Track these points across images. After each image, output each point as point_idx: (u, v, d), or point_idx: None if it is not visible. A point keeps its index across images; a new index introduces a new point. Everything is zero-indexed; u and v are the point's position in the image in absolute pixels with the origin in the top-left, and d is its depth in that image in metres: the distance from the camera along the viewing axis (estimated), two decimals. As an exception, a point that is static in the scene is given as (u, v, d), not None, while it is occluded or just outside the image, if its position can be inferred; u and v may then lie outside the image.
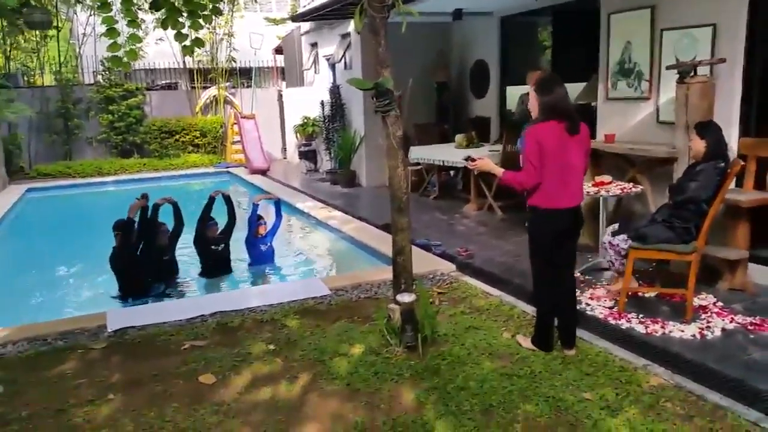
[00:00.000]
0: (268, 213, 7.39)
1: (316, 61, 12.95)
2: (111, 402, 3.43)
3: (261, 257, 6.83)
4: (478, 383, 3.45)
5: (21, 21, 4.58)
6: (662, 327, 4.18)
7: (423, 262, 5.73)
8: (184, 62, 15.46)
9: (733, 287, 4.83)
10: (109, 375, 3.78)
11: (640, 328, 4.19)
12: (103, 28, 15.50)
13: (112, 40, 5.13)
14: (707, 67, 5.07)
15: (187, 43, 5.50)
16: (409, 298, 3.88)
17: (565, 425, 3.04)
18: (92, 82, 15.09)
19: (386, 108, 3.86)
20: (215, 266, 6.51)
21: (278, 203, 7.29)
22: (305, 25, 12.98)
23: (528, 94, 7.24)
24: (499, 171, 3.81)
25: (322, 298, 5.06)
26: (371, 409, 3.24)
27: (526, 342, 3.98)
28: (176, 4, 5.24)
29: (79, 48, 14.85)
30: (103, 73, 14.67)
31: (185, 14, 5.30)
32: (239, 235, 6.81)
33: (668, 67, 5.14)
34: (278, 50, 16.30)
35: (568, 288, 3.88)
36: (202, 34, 14.62)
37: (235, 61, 16.18)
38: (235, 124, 15.16)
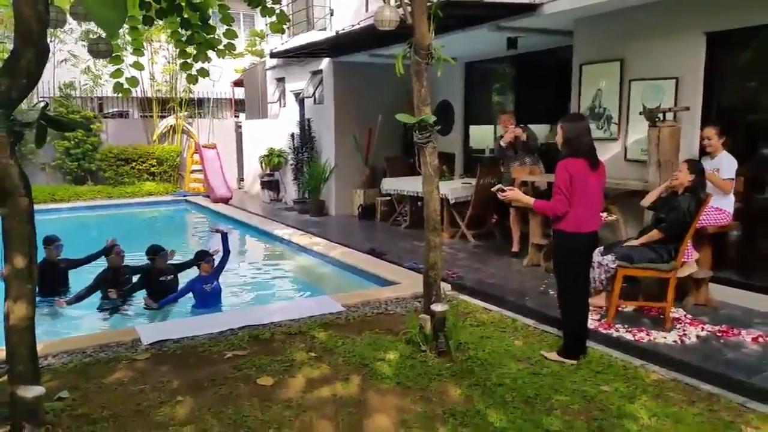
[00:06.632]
0: (211, 247, 6.94)
1: (282, 95, 13.38)
2: (183, 403, 3.70)
3: (205, 300, 6.31)
4: (512, 380, 3.97)
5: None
6: (647, 335, 4.85)
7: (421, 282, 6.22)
8: (143, 90, 15.49)
9: (698, 302, 5.59)
10: (167, 381, 4.04)
11: (629, 336, 4.85)
12: (60, 56, 15.34)
13: (115, 67, 5.42)
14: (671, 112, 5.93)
15: (193, 72, 5.84)
16: (441, 307, 4.37)
17: (596, 410, 3.60)
18: (48, 107, 14.87)
19: (427, 140, 4.37)
20: (160, 297, 6.33)
21: (225, 237, 6.63)
22: (272, 61, 13.42)
23: (502, 136, 8.08)
24: (530, 200, 4.40)
25: (338, 313, 5.46)
26: (427, 402, 3.69)
27: (551, 355, 4.44)
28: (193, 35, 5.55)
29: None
30: (61, 99, 14.52)
31: (195, 46, 5.66)
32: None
33: (641, 113, 5.95)
34: (237, 83, 16.62)
35: (587, 299, 4.47)
36: (163, 64, 14.84)
37: (192, 92, 16.37)
38: (196, 153, 15.29)
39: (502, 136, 8.07)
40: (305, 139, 11.96)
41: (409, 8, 4.23)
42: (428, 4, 4.23)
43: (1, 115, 2.88)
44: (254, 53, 16.64)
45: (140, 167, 15.45)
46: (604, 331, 4.97)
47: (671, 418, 3.53)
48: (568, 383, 3.96)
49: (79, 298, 6.35)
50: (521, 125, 8.03)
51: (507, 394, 3.78)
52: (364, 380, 4.00)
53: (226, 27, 5.42)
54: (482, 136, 10.72)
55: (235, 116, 18.01)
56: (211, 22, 5.45)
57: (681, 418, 3.52)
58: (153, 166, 15.57)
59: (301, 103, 12.56)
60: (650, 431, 3.40)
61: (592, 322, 5.10)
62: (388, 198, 10.61)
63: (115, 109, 17.36)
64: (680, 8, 5.92)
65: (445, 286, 6.33)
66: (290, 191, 12.96)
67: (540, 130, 8.79)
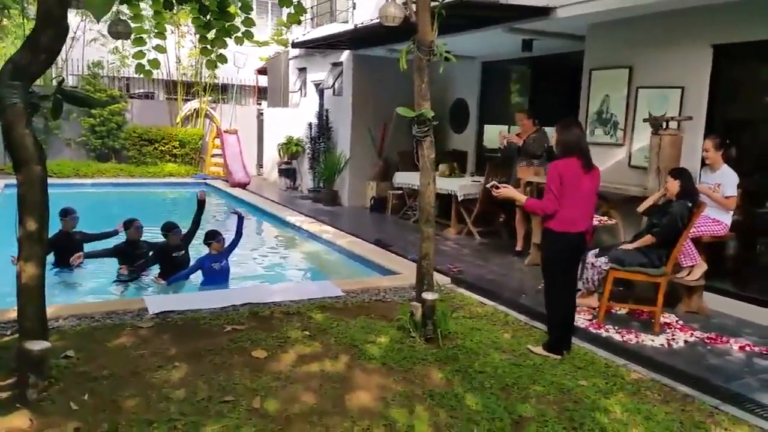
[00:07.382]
0: (226, 227, 7.15)
1: (303, 85, 13.60)
2: (179, 369, 3.93)
3: (213, 277, 6.52)
4: (493, 368, 4.13)
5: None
6: (636, 337, 4.97)
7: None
8: (169, 73, 15.83)
9: (690, 310, 5.68)
10: (166, 349, 4.26)
11: (617, 337, 4.97)
12: (90, 35, 15.70)
13: (138, 48, 5.65)
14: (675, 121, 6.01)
15: (212, 57, 6.06)
16: (432, 296, 4.54)
17: (570, 402, 3.75)
18: (76, 85, 15.28)
19: (424, 134, 4.53)
20: (172, 272, 6.59)
21: (241, 220, 6.96)
22: (294, 51, 13.63)
23: (517, 135, 8.19)
24: (522, 198, 4.54)
25: (337, 298, 5.66)
26: (409, 383, 3.87)
27: (537, 349, 4.58)
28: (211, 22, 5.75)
29: (66, 52, 15.02)
30: (89, 77, 14.90)
31: (214, 32, 5.85)
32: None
33: (645, 120, 6.05)
34: (261, 71, 16.88)
35: (573, 297, 4.61)
36: (189, 48, 15.14)
37: (216, 78, 16.68)
38: (217, 137, 15.59)
39: (517, 135, 8.17)
40: (323, 130, 12.17)
41: (414, 6, 4.38)
42: (434, 3, 4.38)
43: (20, 87, 3.11)
44: (280, 42, 16.89)
45: (163, 148, 15.80)
46: (594, 331, 5.09)
47: (642, 414, 3.66)
48: (548, 375, 4.10)
49: (94, 255, 6.72)
50: (536, 125, 8.12)
51: (486, 381, 3.94)
52: (352, 360, 4.19)
53: (244, 15, 5.62)
54: (496, 135, 10.80)
55: (258, 103, 18.29)
56: (232, 9, 5.67)
57: (652, 415, 3.65)
58: (175, 147, 15.91)
59: (320, 93, 12.77)
60: (620, 425, 3.53)
61: (583, 321, 5.24)
62: (400, 192, 10.77)
63: (141, 90, 17.75)
64: (689, 20, 6.00)
65: (445, 279, 6.50)
66: (306, 180, 13.19)
67: (553, 132, 8.87)
